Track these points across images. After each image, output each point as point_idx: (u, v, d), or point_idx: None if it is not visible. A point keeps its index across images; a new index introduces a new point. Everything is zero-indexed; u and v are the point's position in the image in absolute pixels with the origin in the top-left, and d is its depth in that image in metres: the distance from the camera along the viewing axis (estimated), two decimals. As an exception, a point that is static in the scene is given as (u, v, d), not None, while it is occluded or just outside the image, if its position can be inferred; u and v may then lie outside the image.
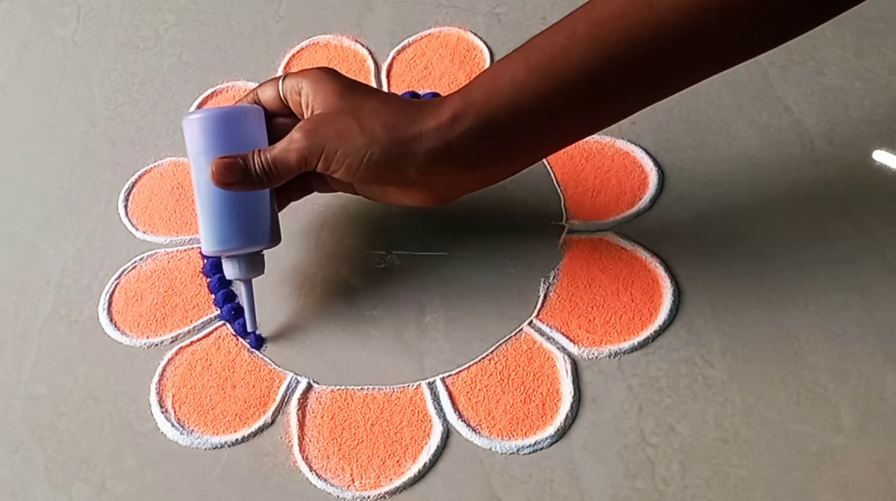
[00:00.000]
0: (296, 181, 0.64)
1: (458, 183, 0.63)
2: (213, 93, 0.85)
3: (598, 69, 0.56)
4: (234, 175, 0.62)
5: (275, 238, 0.66)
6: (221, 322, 0.70)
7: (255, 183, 0.62)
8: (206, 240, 0.65)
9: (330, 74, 0.63)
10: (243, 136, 0.64)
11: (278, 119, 0.66)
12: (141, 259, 0.74)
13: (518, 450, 0.61)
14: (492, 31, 0.85)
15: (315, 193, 0.68)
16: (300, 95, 0.63)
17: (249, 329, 0.68)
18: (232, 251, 0.65)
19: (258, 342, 0.68)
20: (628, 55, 0.56)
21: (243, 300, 0.68)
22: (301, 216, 0.74)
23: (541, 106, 0.58)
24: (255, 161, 0.62)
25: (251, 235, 0.65)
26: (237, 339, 0.69)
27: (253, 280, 0.67)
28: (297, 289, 0.71)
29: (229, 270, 0.66)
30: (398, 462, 0.61)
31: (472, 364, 0.65)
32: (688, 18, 0.54)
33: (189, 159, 0.65)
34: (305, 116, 0.63)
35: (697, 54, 0.57)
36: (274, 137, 0.63)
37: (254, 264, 0.66)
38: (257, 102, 0.66)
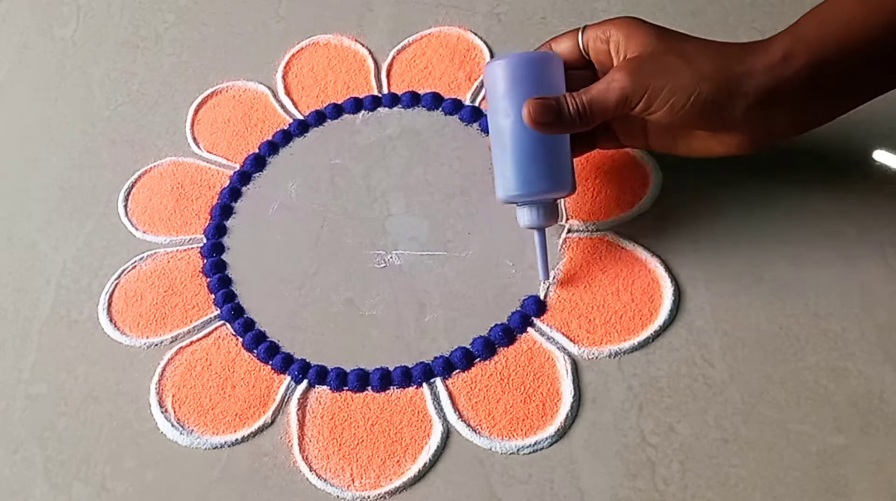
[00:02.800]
0: (582, 136, 0.65)
1: (777, 127, 0.60)
2: (213, 92, 0.84)
3: None
4: (548, 115, 0.61)
5: (574, 186, 0.65)
6: (221, 322, 0.70)
7: (567, 125, 0.61)
8: (508, 184, 0.64)
9: (639, 20, 0.62)
10: (547, 81, 0.63)
11: (574, 72, 0.65)
12: (141, 259, 0.74)
13: (518, 450, 0.61)
14: (492, 31, 0.85)
15: None
16: (608, 42, 0.62)
17: (542, 278, 0.68)
18: (535, 196, 0.64)
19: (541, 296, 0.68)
20: None
21: (537, 250, 0.67)
22: (301, 216, 0.74)
23: (874, 41, 0.56)
24: (570, 102, 0.61)
25: (555, 180, 0.64)
26: (237, 338, 0.69)
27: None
28: (296, 289, 0.71)
29: (525, 217, 0.65)
30: (398, 462, 0.61)
31: (472, 365, 0.65)
32: None
33: (489, 104, 0.65)
34: (615, 64, 0.62)
35: None
36: (570, 89, 0.63)
37: (552, 212, 0.65)
38: None
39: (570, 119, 0.61)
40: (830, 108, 0.60)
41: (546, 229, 0.66)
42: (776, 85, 0.57)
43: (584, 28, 0.64)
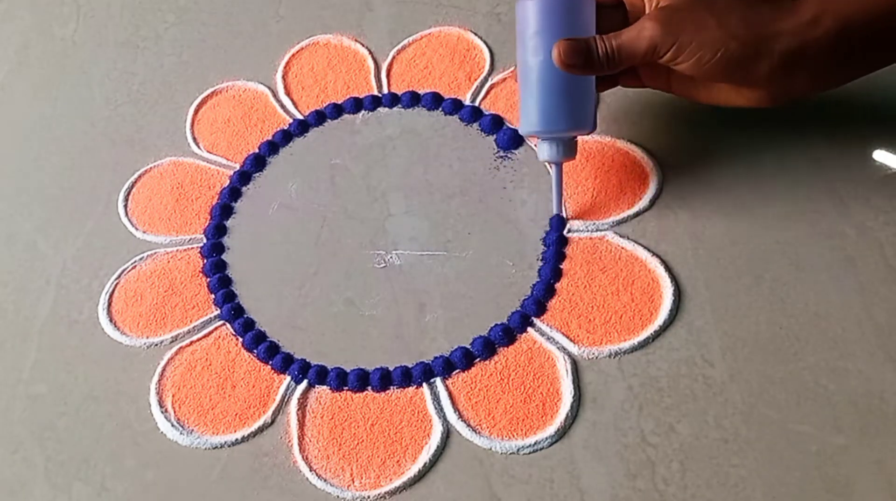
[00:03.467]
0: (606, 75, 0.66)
1: (797, 87, 0.62)
2: (213, 92, 0.84)
3: None
4: (577, 57, 0.62)
5: (595, 124, 0.67)
6: (221, 322, 0.70)
7: (595, 68, 0.63)
8: (532, 120, 0.66)
9: None
10: (579, 22, 0.64)
11: (606, 9, 0.66)
12: (141, 259, 0.74)
13: (518, 450, 0.61)
14: (492, 31, 0.85)
15: None
16: None
17: (556, 211, 0.70)
18: (557, 133, 0.66)
19: (560, 224, 0.71)
20: None
21: (553, 182, 0.70)
22: (301, 216, 0.74)
23: None
24: (600, 45, 0.62)
25: (578, 119, 0.66)
26: (237, 338, 0.69)
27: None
28: (297, 289, 0.71)
29: (545, 152, 0.67)
30: (398, 461, 0.61)
31: (472, 365, 0.65)
32: None
33: (518, 41, 0.66)
34: (647, 9, 0.63)
35: None
36: (600, 28, 0.64)
37: (570, 148, 0.67)
38: None
39: (599, 63, 0.62)
40: (851, 70, 0.61)
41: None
42: (801, 47, 0.58)
43: None
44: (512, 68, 0.81)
